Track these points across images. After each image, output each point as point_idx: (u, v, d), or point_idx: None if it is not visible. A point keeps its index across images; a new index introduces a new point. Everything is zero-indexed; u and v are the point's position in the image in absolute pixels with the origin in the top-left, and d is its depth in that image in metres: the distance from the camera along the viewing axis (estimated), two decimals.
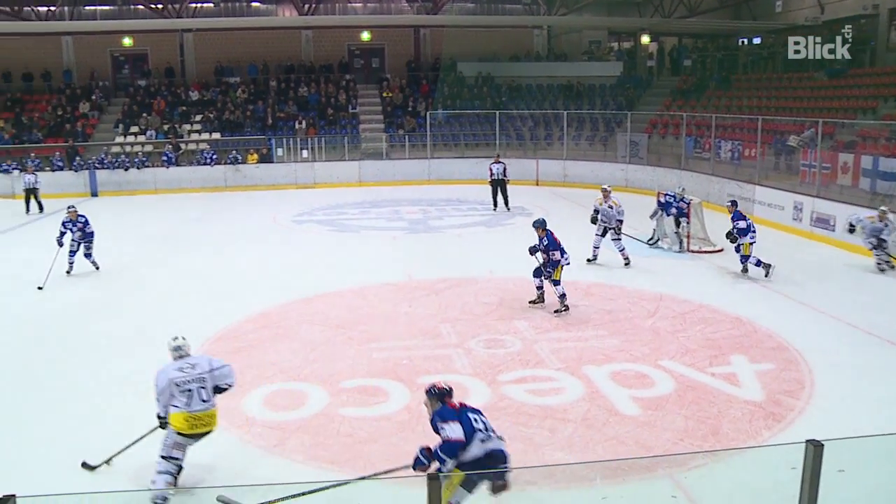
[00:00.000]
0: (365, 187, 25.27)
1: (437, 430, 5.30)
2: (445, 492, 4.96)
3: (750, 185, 18.61)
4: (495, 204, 20.17)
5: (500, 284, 12.54)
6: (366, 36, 32.04)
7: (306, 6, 29.89)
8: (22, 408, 7.98)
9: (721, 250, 14.84)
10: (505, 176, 20.09)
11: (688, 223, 14.90)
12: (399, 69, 32.13)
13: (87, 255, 13.75)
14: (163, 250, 15.80)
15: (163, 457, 6.12)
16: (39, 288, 12.66)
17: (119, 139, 27.49)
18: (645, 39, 33.59)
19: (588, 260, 13.93)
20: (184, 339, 6.61)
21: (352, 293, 12.09)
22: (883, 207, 13.53)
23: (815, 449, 4.23)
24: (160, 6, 28.73)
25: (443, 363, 8.96)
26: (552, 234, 11.06)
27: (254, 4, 33.70)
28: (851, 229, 13.73)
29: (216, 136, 27.83)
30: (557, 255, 10.90)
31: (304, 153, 26.58)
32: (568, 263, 11.10)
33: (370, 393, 8.14)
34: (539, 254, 11.10)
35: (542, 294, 11.27)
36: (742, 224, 12.88)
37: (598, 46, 35.07)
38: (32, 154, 25.15)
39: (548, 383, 8.37)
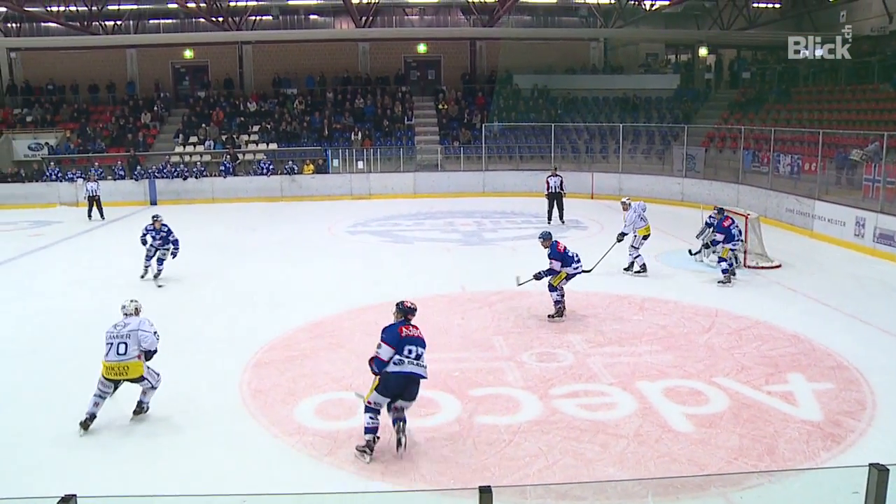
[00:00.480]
0: (419, 199, 25.44)
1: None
2: (368, 393, 7.09)
3: (809, 200, 18.23)
4: (550, 217, 20.14)
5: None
6: (422, 48, 32.35)
7: (363, 19, 30.31)
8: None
9: (779, 266, 14.58)
10: (562, 189, 20.12)
11: (743, 239, 14.66)
12: (455, 81, 32.33)
13: (160, 261, 14.05)
14: (218, 259, 16.11)
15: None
16: (146, 277, 13.82)
17: (178, 149, 28.19)
18: (703, 52, 33.24)
19: (625, 269, 14.28)
20: (133, 301, 8.09)
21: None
22: None
23: (879, 474, 4.11)
24: (220, 19, 29.42)
25: (495, 375, 8.95)
26: (556, 244, 11.33)
27: (312, 17, 34.33)
28: None
29: (273, 146, 28.33)
30: (557, 265, 11.19)
31: (360, 164, 26.91)
32: (578, 272, 11.36)
33: (421, 404, 8.11)
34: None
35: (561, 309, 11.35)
36: (719, 237, 13.51)
37: (655, 59, 34.88)
38: (96, 163, 25.99)
39: (600, 398, 8.30)
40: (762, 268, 14.58)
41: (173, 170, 26.14)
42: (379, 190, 26.13)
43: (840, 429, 7.49)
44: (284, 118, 29.55)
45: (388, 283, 13.53)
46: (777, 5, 30.99)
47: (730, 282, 13.34)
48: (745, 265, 14.62)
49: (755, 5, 29.66)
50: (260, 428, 7.69)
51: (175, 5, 28.97)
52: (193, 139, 28.68)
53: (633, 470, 6.73)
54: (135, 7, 31.69)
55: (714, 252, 14.20)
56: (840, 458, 6.89)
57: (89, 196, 22.38)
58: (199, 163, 26.96)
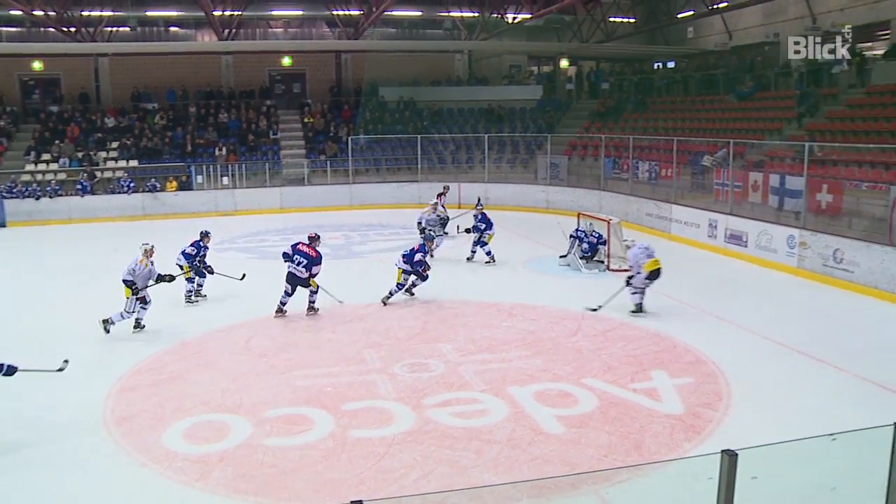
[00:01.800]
0: (287, 213, 25.04)
1: None
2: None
3: (667, 205, 19.24)
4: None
5: (422, 308, 12.62)
6: (287, 61, 31.91)
7: (226, 31, 29.65)
8: None
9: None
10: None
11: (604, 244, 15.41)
12: (321, 94, 32.07)
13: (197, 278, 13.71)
14: (78, 281, 15.27)
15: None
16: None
17: (30, 167, 26.59)
18: (564, 63, 34.36)
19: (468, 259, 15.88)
20: (145, 245, 11.58)
21: (274, 321, 11.97)
22: None
23: (729, 459, 4.35)
24: (73, 29, 28.04)
25: (367, 389, 8.90)
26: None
27: (172, 29, 33.31)
28: None
29: (133, 163, 27.18)
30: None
31: (225, 180, 26.21)
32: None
33: (294, 422, 8.02)
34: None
35: None
36: (482, 225, 15.77)
37: (519, 70, 35.76)
38: None
39: (472, 405, 8.39)
40: (625, 270, 15.07)
41: (24, 189, 24.62)
42: (245, 205, 25.52)
43: (700, 420, 7.88)
44: (145, 134, 28.44)
45: (257, 300, 13.23)
46: (632, 20, 32.41)
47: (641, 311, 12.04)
48: (608, 268, 15.23)
49: (612, 20, 30.91)
50: (126, 457, 7.34)
51: (19, 12, 27.32)
52: (46, 156, 27.13)
53: (507, 474, 6.83)
54: None
55: (584, 257, 14.83)
56: (700, 447, 7.25)
57: None
58: (53, 181, 25.53)
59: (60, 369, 8.50)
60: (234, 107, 30.34)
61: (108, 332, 11.27)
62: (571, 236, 15.64)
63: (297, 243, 12.15)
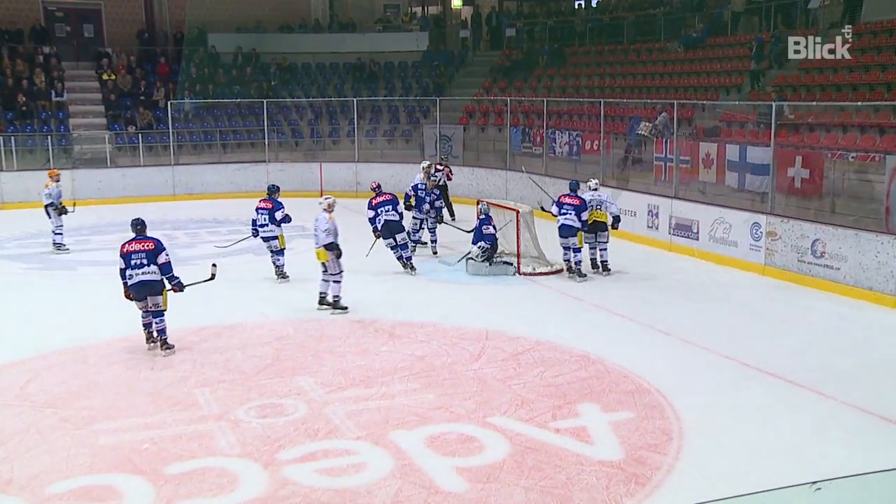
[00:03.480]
0: (81, 207, 24.18)
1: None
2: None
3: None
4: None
5: (276, 330, 12.46)
6: None
7: None
8: None
9: (561, 270, 15.52)
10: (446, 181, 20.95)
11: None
12: (125, 41, 31.18)
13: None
14: None
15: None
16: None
17: None
18: (456, 3, 34.58)
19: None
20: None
21: (65, 357, 11.54)
22: None
23: None
24: None
25: (200, 443, 8.68)
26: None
27: None
28: None
29: None
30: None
31: None
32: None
33: (94, 497, 7.70)
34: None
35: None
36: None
37: (396, 13, 35.85)
38: None
39: (345, 458, 8.30)
40: (539, 274, 15.52)
41: None
42: (16, 196, 24.46)
43: (644, 467, 8.00)
44: None
45: (37, 328, 12.82)
46: None
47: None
48: (518, 272, 15.45)
49: None
50: None
51: None
52: None
53: None
54: None
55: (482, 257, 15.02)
56: (646, 502, 7.35)
57: None
58: None
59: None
60: None
61: None
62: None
63: (129, 241, 11.60)
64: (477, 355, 11.19)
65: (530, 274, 15.42)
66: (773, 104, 16.23)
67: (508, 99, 25.13)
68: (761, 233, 15.38)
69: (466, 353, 11.29)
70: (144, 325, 11.66)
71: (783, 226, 15.06)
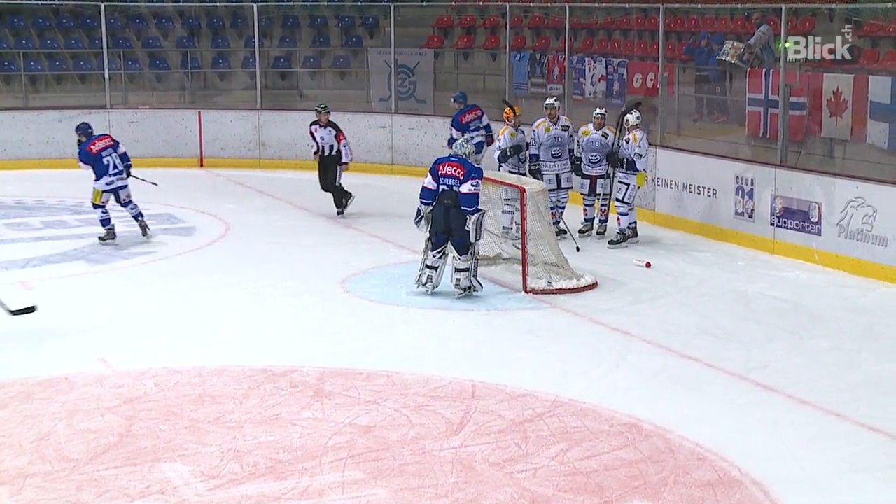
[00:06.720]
0: None
1: None
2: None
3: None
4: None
5: (127, 386, 9.41)
6: None
7: None
8: None
9: (593, 285, 12.37)
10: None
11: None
12: None
13: None
14: None
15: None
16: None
17: None
18: None
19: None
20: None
21: None
22: None
23: None
24: None
25: None
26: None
27: None
28: None
29: None
30: None
31: None
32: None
33: None
34: None
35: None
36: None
37: None
38: None
39: None
40: (557, 291, 12.20)
41: None
42: None
43: None
44: None
45: None
46: None
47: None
48: (525, 289, 12.15)
49: None
50: None
51: None
52: None
53: None
54: None
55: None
56: None
57: None
58: None
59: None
60: None
61: None
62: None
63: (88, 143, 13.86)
64: (458, 425, 8.36)
65: (543, 292, 11.99)
66: None
67: (508, 5, 20.00)
68: None
69: (441, 420, 8.49)
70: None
71: None
